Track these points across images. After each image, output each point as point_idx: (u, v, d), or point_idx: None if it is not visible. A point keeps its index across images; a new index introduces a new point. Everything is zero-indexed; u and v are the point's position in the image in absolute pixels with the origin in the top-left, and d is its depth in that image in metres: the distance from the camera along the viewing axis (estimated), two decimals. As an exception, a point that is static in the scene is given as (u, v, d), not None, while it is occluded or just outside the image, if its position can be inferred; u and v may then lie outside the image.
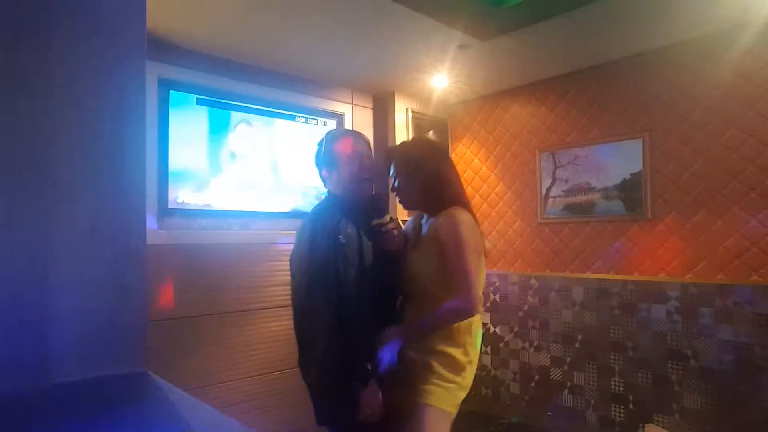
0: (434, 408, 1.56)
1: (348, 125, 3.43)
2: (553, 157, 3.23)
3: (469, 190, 3.75)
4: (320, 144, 1.75)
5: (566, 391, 3.13)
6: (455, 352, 1.61)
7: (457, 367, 1.61)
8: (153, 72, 2.51)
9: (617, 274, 2.92)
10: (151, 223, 2.50)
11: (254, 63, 2.91)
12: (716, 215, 2.56)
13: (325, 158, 1.72)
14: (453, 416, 1.64)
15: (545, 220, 3.27)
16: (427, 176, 1.67)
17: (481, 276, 1.63)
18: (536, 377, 3.28)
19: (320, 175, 1.77)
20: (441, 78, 3.18)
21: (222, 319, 2.72)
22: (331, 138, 1.74)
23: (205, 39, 2.59)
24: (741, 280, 2.47)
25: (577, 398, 3.07)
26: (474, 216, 1.66)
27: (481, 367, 3.59)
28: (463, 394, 1.64)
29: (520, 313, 3.38)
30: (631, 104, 2.88)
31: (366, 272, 1.61)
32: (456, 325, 1.60)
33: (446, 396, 1.59)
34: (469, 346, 1.64)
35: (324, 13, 2.29)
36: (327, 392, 1.56)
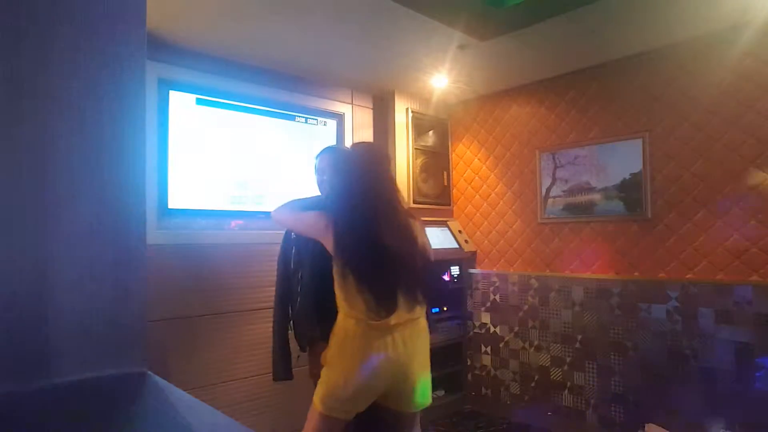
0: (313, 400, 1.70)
1: (348, 125, 3.43)
2: (553, 157, 3.23)
3: (469, 190, 3.75)
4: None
5: (566, 391, 3.13)
6: (324, 345, 1.73)
7: (325, 361, 1.71)
8: (153, 72, 2.51)
9: (617, 274, 2.92)
10: (151, 223, 2.50)
11: (254, 63, 2.91)
12: (716, 215, 2.56)
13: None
14: (325, 414, 1.63)
15: (545, 220, 3.27)
16: (332, 184, 1.79)
17: (298, 227, 1.85)
18: (536, 377, 3.29)
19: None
20: (441, 78, 3.18)
21: (222, 319, 2.72)
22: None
23: (205, 39, 2.59)
24: (741, 280, 2.47)
25: (577, 398, 3.07)
26: (338, 220, 1.68)
27: (481, 367, 3.60)
28: (329, 398, 1.64)
29: (520, 313, 3.38)
30: (631, 104, 2.88)
31: (314, 269, 1.84)
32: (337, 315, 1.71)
33: (318, 388, 1.69)
34: (334, 344, 1.69)
35: (324, 13, 2.29)
36: (277, 355, 1.96)
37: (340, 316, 1.70)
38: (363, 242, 1.61)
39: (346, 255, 1.62)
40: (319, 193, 2.04)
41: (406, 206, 1.82)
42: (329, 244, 1.67)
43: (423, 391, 1.75)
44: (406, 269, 1.65)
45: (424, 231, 1.86)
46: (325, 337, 1.75)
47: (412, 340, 1.69)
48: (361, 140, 3.33)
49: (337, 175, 1.75)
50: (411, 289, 1.67)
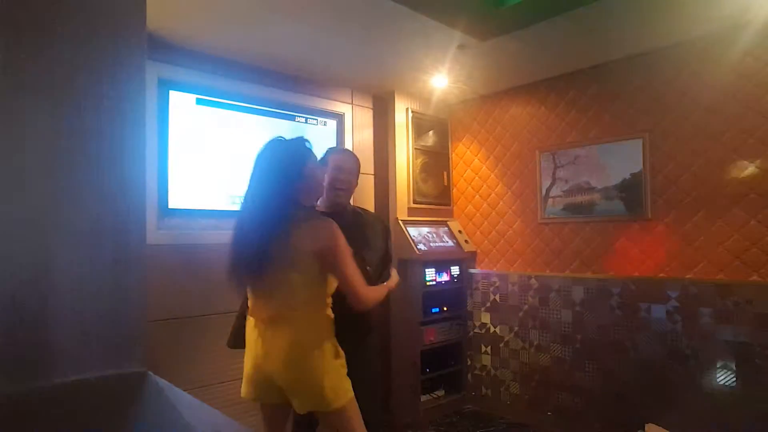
0: None
1: (348, 125, 3.43)
2: (553, 157, 3.23)
3: (469, 190, 3.75)
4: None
5: (566, 391, 3.13)
6: None
7: None
8: (153, 72, 2.51)
9: (617, 274, 2.92)
10: (151, 223, 2.50)
11: (254, 63, 2.91)
12: (716, 215, 2.56)
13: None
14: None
15: (545, 220, 3.27)
16: None
17: None
18: (536, 377, 3.29)
19: None
20: (441, 78, 3.18)
21: (222, 319, 2.71)
22: (327, 152, 2.18)
23: (205, 39, 2.59)
24: (741, 280, 2.47)
25: (577, 398, 3.07)
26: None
27: (481, 367, 3.60)
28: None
29: (520, 313, 3.38)
30: (631, 104, 2.88)
31: None
32: None
33: None
34: None
35: (324, 13, 2.29)
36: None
37: None
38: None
39: None
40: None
41: (295, 204, 1.66)
42: None
43: (297, 396, 1.65)
44: (252, 266, 1.62)
45: (319, 233, 1.65)
46: None
47: (268, 340, 1.66)
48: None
49: None
50: (261, 286, 1.66)
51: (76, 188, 0.70)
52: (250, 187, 1.70)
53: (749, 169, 2.46)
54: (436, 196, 3.70)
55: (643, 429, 2.72)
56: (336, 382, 1.66)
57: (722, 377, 2.49)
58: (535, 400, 3.29)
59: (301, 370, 1.63)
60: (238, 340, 1.88)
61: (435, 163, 3.71)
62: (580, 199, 3.10)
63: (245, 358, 1.74)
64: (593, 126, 3.05)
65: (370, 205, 3.54)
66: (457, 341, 3.62)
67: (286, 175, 1.66)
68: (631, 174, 2.87)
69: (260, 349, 1.67)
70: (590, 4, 2.20)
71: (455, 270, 3.61)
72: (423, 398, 3.43)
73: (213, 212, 2.78)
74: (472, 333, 3.66)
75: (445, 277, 3.53)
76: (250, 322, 1.73)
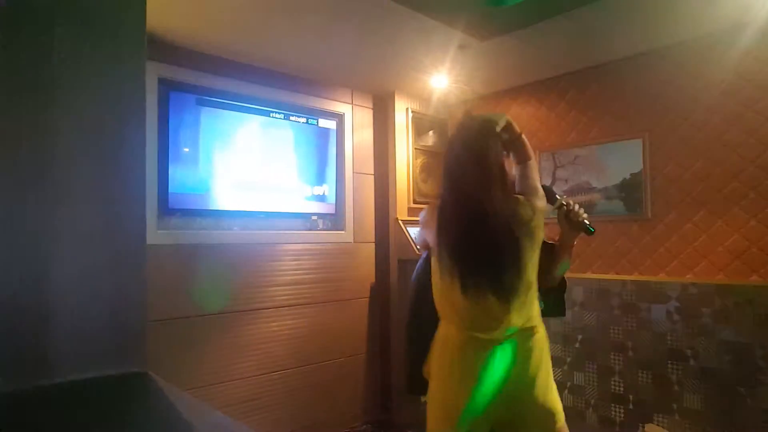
0: None
1: (348, 125, 3.43)
2: (553, 157, 3.23)
3: (469, 190, 3.75)
4: None
5: (566, 391, 3.12)
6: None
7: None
8: (153, 72, 2.51)
9: (617, 274, 2.92)
10: (151, 223, 2.50)
11: (254, 63, 2.91)
12: (716, 215, 2.56)
13: None
14: None
15: (545, 220, 3.26)
16: None
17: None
18: (536, 377, 3.28)
19: None
20: (441, 78, 3.18)
21: (222, 319, 2.72)
22: None
23: (205, 39, 2.59)
24: (741, 280, 2.47)
25: (577, 398, 3.07)
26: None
27: (481, 367, 3.59)
28: None
29: (520, 313, 3.37)
30: (631, 104, 2.88)
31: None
32: None
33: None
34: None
35: (324, 13, 2.29)
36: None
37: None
38: None
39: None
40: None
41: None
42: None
43: None
44: None
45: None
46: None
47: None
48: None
49: None
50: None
51: (76, 188, 0.70)
52: None
53: (749, 169, 2.46)
54: (436, 196, 3.70)
55: (643, 429, 2.72)
56: None
57: (722, 377, 2.49)
58: (535, 400, 3.28)
59: None
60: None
61: (435, 163, 3.71)
62: (580, 199, 3.10)
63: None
64: (593, 126, 3.05)
65: (370, 205, 3.54)
66: (457, 341, 3.62)
67: None
68: (631, 174, 2.87)
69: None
70: (590, 4, 2.20)
71: (455, 270, 3.60)
72: (423, 398, 3.42)
73: (213, 212, 2.78)
74: (472, 333, 3.65)
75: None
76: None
